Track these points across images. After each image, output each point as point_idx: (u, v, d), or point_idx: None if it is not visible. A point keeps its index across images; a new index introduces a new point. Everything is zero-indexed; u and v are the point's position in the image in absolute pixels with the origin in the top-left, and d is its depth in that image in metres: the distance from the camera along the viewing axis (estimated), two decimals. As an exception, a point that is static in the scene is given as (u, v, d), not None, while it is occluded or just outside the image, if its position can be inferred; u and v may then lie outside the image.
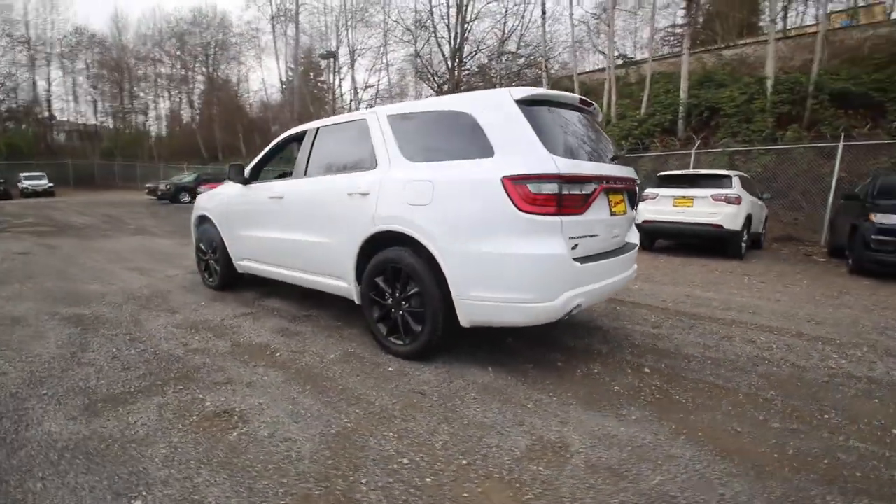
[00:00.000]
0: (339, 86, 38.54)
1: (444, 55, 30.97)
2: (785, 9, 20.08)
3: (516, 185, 2.29)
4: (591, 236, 2.57)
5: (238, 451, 1.86)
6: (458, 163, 2.52)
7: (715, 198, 7.12)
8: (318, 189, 3.28)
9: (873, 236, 5.69)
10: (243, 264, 4.28)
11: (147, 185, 22.09)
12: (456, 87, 30.53)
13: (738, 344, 3.26)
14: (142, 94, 46.03)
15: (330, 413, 2.17)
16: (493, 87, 27.48)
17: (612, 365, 2.82)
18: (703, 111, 13.79)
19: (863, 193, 6.93)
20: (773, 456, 1.90)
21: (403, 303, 2.78)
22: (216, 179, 21.20)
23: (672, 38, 30.87)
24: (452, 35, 29.80)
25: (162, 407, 2.22)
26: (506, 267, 2.34)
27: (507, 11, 25.77)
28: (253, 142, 46.56)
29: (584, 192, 2.40)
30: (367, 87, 37.38)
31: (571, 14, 19.12)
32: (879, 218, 5.68)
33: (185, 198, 20.94)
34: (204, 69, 45.89)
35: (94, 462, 1.78)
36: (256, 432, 2.00)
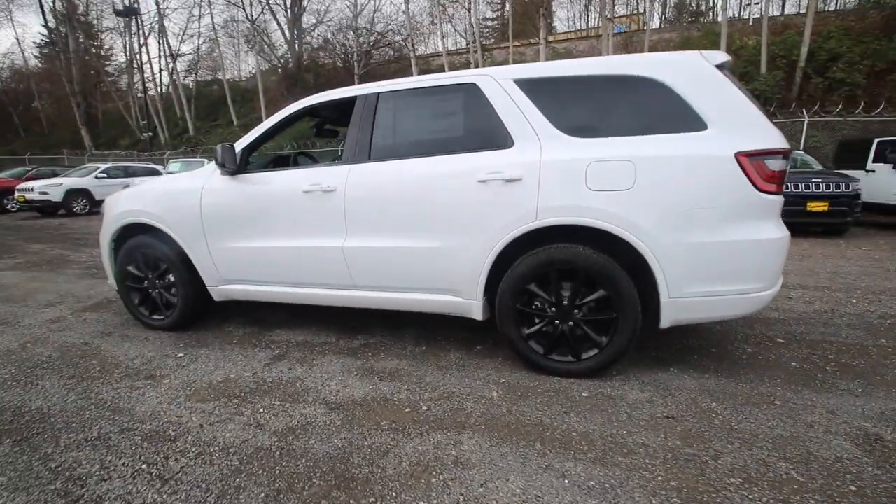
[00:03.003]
0: (144, 50, 31.35)
1: (279, 24, 27.75)
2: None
3: (754, 162, 2.01)
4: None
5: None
6: (662, 138, 2.10)
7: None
8: (416, 176, 2.42)
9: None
10: (231, 289, 3.01)
11: None
12: (298, 62, 27.79)
13: (801, 303, 3.57)
14: None
15: (627, 476, 1.61)
16: (348, 64, 25.70)
17: (752, 341, 2.81)
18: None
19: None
20: None
21: (575, 311, 2.27)
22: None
23: (487, 29, 33.65)
24: (289, 2, 26.86)
25: (395, 544, 1.34)
26: (742, 255, 2.06)
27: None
28: (8, 121, 34.80)
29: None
30: (179, 56, 31.36)
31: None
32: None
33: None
34: None
35: None
36: (595, 537, 1.35)
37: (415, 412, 2.06)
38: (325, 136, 3.61)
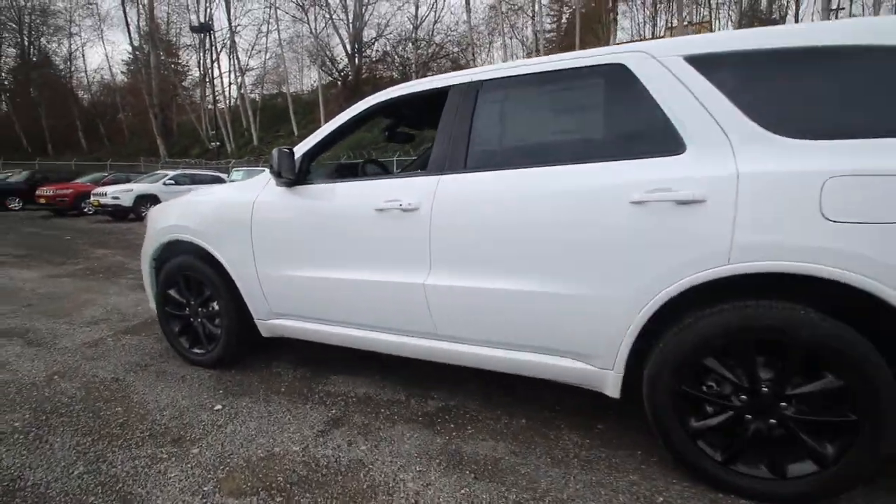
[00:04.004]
0: (216, 65, 33.25)
1: (341, 38, 28.46)
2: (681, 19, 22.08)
3: None
4: None
5: None
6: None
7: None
8: (533, 193, 1.74)
9: None
10: (281, 325, 2.46)
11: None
12: (357, 75, 28.32)
13: None
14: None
15: None
16: (406, 76, 25.86)
17: None
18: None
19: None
20: None
21: (782, 403, 1.48)
22: (60, 179, 16.36)
23: (543, 41, 32.81)
24: (351, 17, 27.51)
25: None
26: None
27: (419, -4, 24.43)
28: (95, 132, 38.06)
29: None
30: (247, 70, 32.97)
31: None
32: None
33: (15, 203, 15.74)
34: (18, 40, 36.09)
35: None
36: None
37: (539, 554, 1.35)
38: (398, 140, 3.03)
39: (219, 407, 2.25)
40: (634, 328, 1.61)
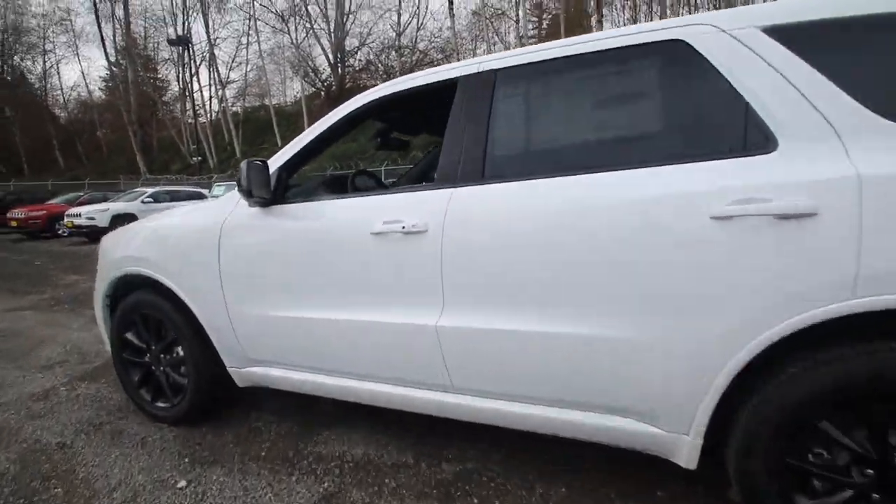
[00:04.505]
0: (196, 79, 32.60)
1: (322, 48, 28.09)
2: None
3: None
4: None
5: None
6: None
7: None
8: (574, 208, 1.35)
9: None
10: (260, 374, 2.04)
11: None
12: (341, 84, 27.95)
13: None
14: None
15: None
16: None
17: None
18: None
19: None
20: None
21: (925, 480, 1.11)
22: (34, 200, 15.73)
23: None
24: (332, 26, 27.16)
25: None
26: None
27: (401, 3, 24.19)
28: (73, 150, 37.02)
29: None
30: (228, 83, 32.41)
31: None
32: None
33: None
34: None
35: None
36: None
37: None
38: (391, 147, 2.64)
39: (182, 483, 1.82)
40: (721, 381, 1.23)
